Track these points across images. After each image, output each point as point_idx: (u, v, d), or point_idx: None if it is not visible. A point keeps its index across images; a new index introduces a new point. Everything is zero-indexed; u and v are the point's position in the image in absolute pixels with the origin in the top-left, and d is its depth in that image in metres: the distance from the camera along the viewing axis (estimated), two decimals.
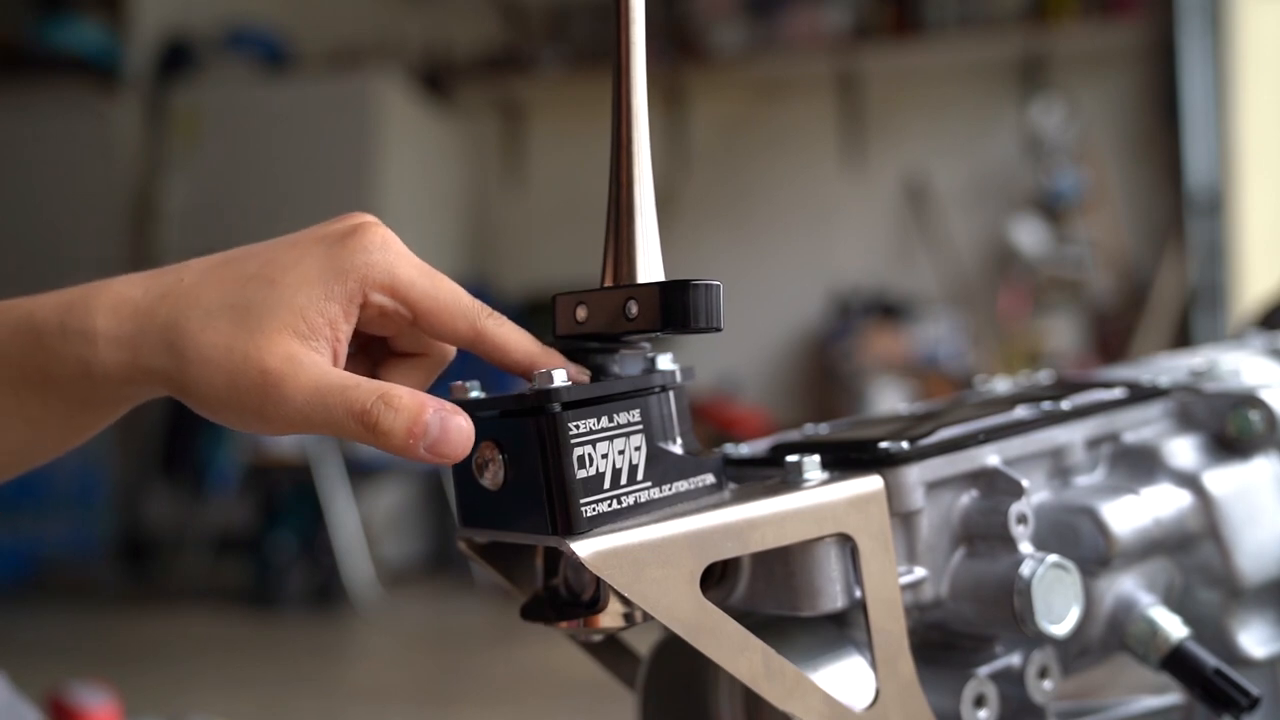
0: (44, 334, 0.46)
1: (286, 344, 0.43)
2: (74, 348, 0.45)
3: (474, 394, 0.47)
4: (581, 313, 0.47)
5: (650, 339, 0.48)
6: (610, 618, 0.47)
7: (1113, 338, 3.87)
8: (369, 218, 0.47)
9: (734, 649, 0.44)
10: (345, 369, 0.45)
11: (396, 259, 0.45)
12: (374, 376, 0.48)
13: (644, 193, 0.46)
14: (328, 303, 0.44)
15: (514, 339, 0.47)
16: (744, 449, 0.57)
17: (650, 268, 0.45)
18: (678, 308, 0.43)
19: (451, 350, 0.50)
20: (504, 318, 0.48)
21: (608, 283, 0.46)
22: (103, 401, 0.48)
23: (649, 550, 0.43)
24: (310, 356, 0.43)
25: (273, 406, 0.43)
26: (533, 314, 4.10)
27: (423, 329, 0.47)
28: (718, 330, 0.44)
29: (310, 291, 0.44)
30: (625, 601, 0.46)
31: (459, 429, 0.42)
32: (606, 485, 0.44)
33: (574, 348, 0.49)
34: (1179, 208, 3.84)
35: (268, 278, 0.44)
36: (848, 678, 0.49)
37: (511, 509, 0.46)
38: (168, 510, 3.74)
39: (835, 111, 4.25)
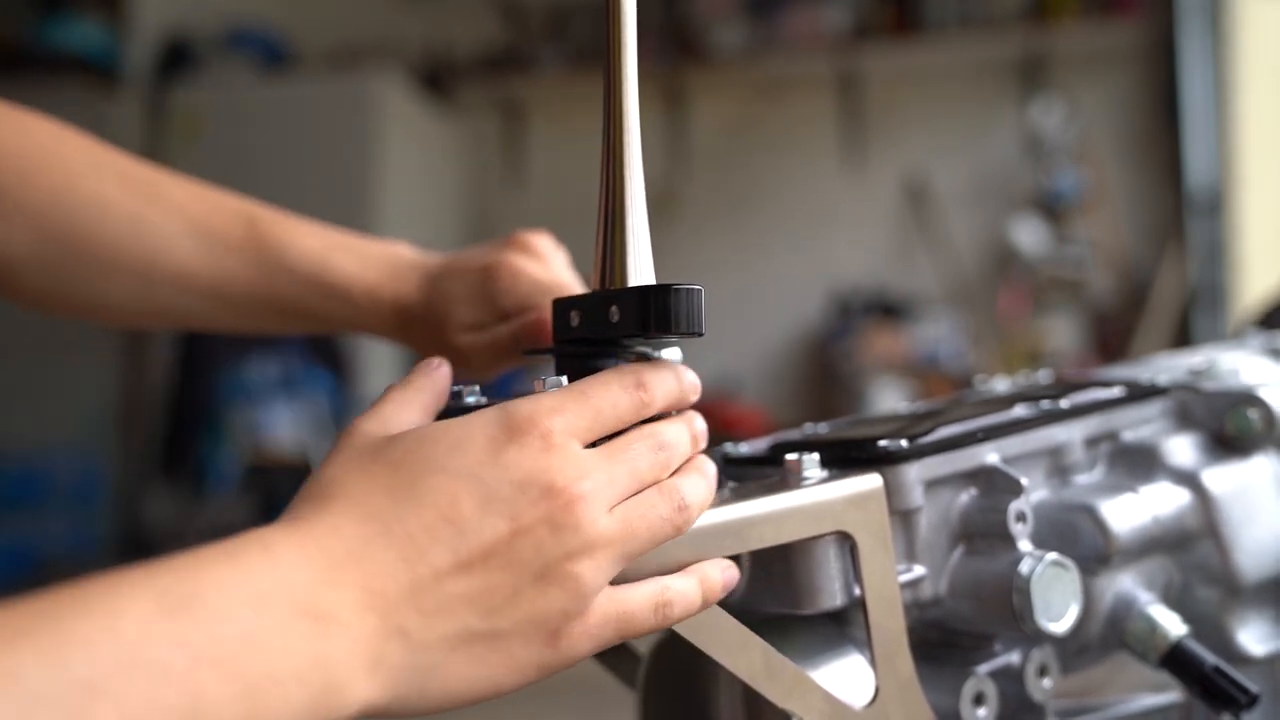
0: (354, 300, 0.61)
1: None
2: (370, 319, 0.61)
3: (470, 399, 0.47)
4: (575, 317, 0.47)
5: (651, 343, 0.48)
6: None
7: (1113, 338, 3.86)
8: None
9: (734, 647, 0.44)
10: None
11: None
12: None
13: (634, 196, 0.45)
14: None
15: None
16: (743, 448, 0.57)
17: (639, 271, 0.45)
18: (658, 312, 0.43)
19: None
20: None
21: (595, 286, 0.46)
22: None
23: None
24: None
25: None
26: None
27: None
28: (699, 335, 0.43)
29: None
30: None
31: None
32: None
33: (572, 352, 0.49)
34: (1179, 208, 3.84)
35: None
36: (847, 676, 0.49)
37: None
38: (168, 510, 3.74)
39: (835, 111, 4.25)
